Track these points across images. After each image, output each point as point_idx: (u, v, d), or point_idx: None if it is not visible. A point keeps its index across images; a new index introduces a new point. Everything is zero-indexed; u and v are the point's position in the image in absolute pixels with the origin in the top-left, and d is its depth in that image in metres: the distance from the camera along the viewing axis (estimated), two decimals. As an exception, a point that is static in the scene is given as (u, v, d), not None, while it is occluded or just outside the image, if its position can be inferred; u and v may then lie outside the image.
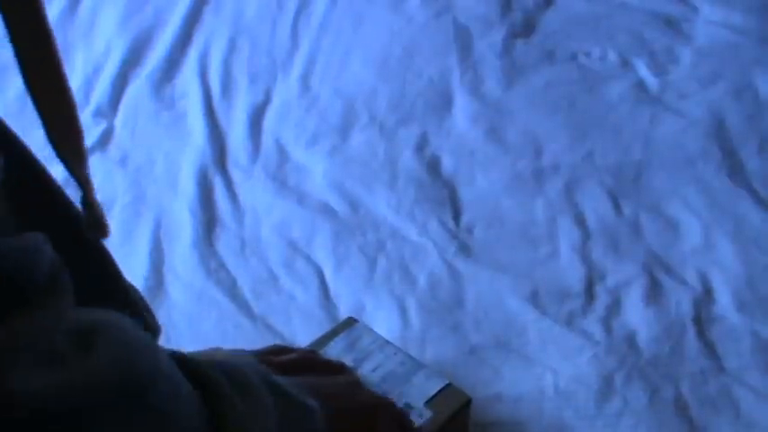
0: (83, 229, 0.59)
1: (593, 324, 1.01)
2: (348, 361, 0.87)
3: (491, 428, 0.90)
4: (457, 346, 0.99)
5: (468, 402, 0.87)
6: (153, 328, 0.73)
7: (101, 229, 0.54)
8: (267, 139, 1.25)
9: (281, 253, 1.09)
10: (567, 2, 1.49)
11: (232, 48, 1.39)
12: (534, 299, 1.03)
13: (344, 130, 1.26)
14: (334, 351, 0.89)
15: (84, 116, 1.28)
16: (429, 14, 1.43)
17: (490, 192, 1.17)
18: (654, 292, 1.04)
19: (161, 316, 1.01)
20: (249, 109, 1.30)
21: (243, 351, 0.79)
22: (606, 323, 1.01)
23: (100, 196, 0.61)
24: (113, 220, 1.10)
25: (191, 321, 1.01)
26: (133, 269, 1.07)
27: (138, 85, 1.33)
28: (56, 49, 0.53)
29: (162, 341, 0.99)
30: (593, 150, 1.23)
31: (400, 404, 0.84)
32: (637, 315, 1.02)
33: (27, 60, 0.52)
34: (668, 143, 1.24)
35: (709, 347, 0.99)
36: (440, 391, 0.86)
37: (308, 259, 1.08)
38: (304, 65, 1.37)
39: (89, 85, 1.34)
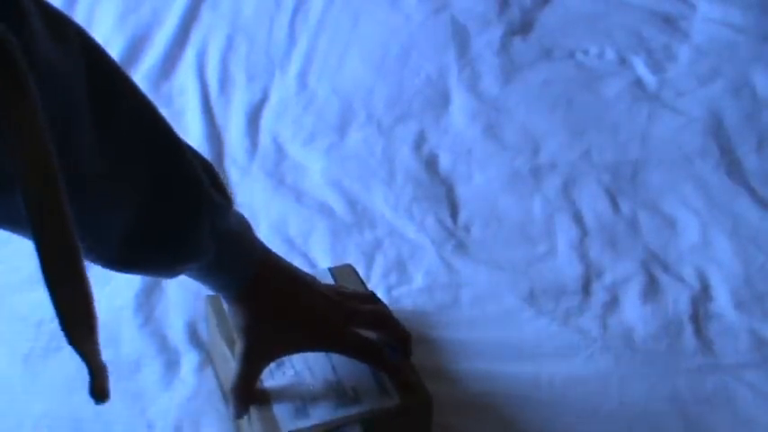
0: None
1: (590, 321, 1.01)
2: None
3: (487, 426, 0.90)
4: (453, 343, 0.99)
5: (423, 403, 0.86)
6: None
7: (102, 396, 0.56)
8: (264, 137, 1.25)
9: (279, 250, 1.08)
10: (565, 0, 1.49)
11: (229, 45, 1.39)
12: (531, 296, 1.03)
13: (342, 128, 1.26)
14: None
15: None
16: (427, 12, 1.43)
17: (488, 189, 1.17)
18: (651, 290, 1.04)
19: (158, 314, 1.01)
20: (247, 107, 1.29)
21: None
22: (603, 321, 1.01)
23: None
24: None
25: (189, 321, 1.01)
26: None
27: (136, 83, 1.33)
28: (77, 244, 0.54)
29: (160, 341, 0.99)
30: (590, 148, 1.23)
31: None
32: (634, 312, 1.02)
33: (47, 258, 0.52)
34: (666, 141, 1.24)
35: (706, 345, 0.99)
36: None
37: (306, 257, 1.08)
38: (301, 63, 1.37)
39: (86, 82, 1.33)
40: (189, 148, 0.76)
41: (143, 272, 0.84)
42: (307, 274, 0.88)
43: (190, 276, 0.82)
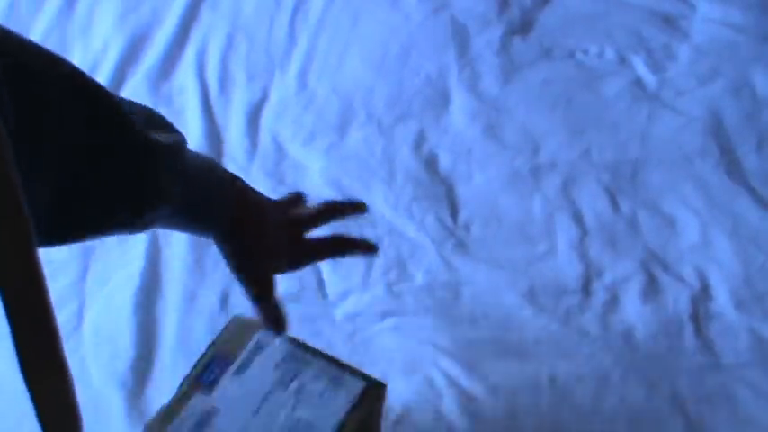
0: None
1: (590, 321, 1.01)
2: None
3: (488, 424, 0.90)
4: (453, 341, 0.99)
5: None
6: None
7: None
8: (264, 137, 1.25)
9: (278, 250, 1.09)
10: (565, -1, 1.49)
11: (229, 45, 1.39)
12: (531, 295, 1.03)
13: (342, 128, 1.26)
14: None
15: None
16: (426, 12, 1.43)
17: (488, 189, 1.17)
18: (651, 289, 1.04)
19: (156, 314, 1.01)
20: (246, 106, 1.29)
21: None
22: (603, 320, 1.01)
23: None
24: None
25: (186, 320, 1.01)
26: (129, 267, 1.07)
27: (136, 82, 1.33)
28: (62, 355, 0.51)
29: (157, 340, 0.99)
30: (590, 147, 1.23)
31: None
32: (634, 312, 1.02)
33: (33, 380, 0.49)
34: (666, 140, 1.24)
35: (706, 344, 0.99)
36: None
37: (305, 256, 1.08)
38: (301, 62, 1.36)
39: (86, 82, 1.33)
40: (121, 101, 0.74)
41: (94, 234, 0.77)
42: (264, 195, 0.88)
43: (169, 227, 0.80)
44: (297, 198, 0.92)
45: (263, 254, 0.84)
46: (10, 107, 0.60)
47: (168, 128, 0.77)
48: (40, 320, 0.49)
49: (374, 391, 0.82)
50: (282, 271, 0.87)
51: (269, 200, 0.87)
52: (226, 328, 0.86)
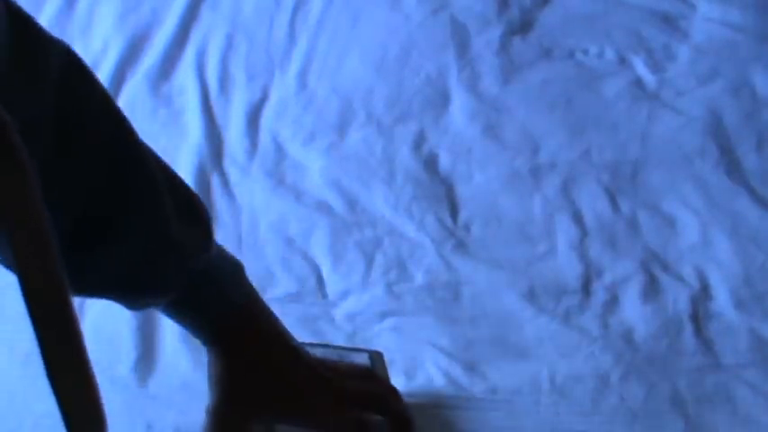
0: None
1: (590, 321, 1.01)
2: None
3: (487, 424, 0.90)
4: (453, 341, 0.99)
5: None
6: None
7: None
8: (264, 137, 1.25)
9: (278, 250, 1.09)
10: (565, -1, 1.49)
11: (229, 45, 1.39)
12: (531, 296, 1.03)
13: (342, 128, 1.26)
14: None
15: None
16: (426, 12, 1.43)
17: (487, 189, 1.17)
18: (651, 290, 1.04)
19: (157, 314, 1.01)
20: (246, 106, 1.29)
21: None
22: (603, 320, 1.01)
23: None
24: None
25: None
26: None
27: (136, 83, 1.33)
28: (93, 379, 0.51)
29: (155, 340, 0.99)
30: (590, 148, 1.23)
31: None
32: (634, 312, 1.02)
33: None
34: (666, 140, 1.24)
35: (706, 344, 0.99)
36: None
37: (306, 256, 1.08)
38: (301, 62, 1.36)
39: (86, 82, 1.33)
40: (165, 181, 0.72)
41: (88, 293, 0.77)
42: (295, 341, 0.82)
43: (162, 312, 0.78)
44: (363, 372, 0.85)
45: (251, 376, 0.78)
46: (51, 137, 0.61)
47: (201, 221, 0.74)
48: (64, 321, 0.50)
49: (377, 356, 0.89)
50: (278, 417, 0.80)
51: (300, 345, 0.82)
52: None
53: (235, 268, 0.80)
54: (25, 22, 0.61)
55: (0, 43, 0.56)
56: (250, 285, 0.81)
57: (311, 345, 0.88)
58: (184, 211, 0.73)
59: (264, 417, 0.81)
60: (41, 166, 0.61)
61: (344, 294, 1.05)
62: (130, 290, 0.74)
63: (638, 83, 1.33)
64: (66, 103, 0.63)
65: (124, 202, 0.69)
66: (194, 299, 0.76)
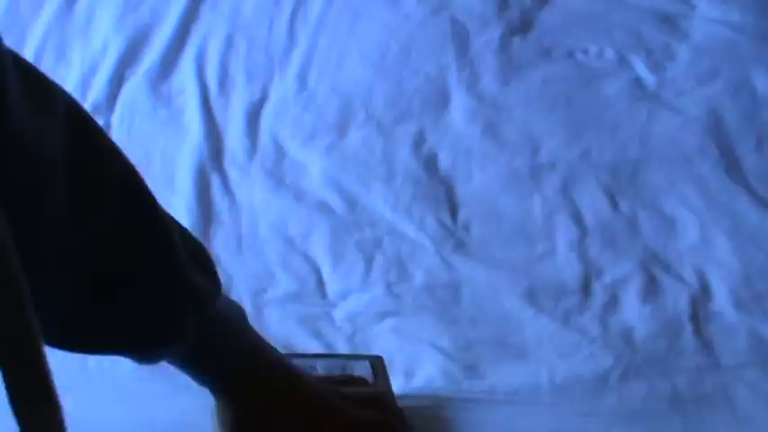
0: None
1: (589, 321, 1.01)
2: None
3: (487, 424, 0.90)
4: (453, 342, 0.99)
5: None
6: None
7: None
8: (264, 137, 1.25)
9: (278, 250, 1.09)
10: (565, -1, 1.49)
11: (229, 45, 1.39)
12: (531, 296, 1.03)
13: (341, 128, 1.26)
14: None
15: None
16: (426, 12, 1.43)
17: (487, 189, 1.17)
18: (651, 290, 1.04)
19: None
20: (246, 106, 1.29)
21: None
22: (603, 320, 1.01)
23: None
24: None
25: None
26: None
27: (135, 83, 1.33)
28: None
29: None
30: (590, 148, 1.23)
31: None
32: (633, 312, 1.02)
33: None
34: (665, 140, 1.24)
35: (705, 344, 0.99)
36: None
37: (305, 256, 1.08)
38: (301, 62, 1.36)
39: (86, 82, 1.33)
40: (177, 232, 0.72)
41: (100, 351, 0.77)
42: (308, 376, 0.83)
43: (173, 365, 0.78)
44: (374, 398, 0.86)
45: (264, 424, 0.79)
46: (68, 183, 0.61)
47: (209, 269, 0.75)
48: (28, 349, 0.48)
49: (378, 363, 0.90)
50: None
51: (312, 379, 0.82)
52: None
53: (239, 313, 0.80)
54: (29, 72, 0.62)
55: (11, 100, 0.57)
56: (254, 330, 0.81)
57: (314, 356, 0.89)
58: (195, 259, 0.73)
59: None
60: (55, 219, 0.62)
61: (344, 294, 1.05)
62: (148, 341, 0.74)
63: (638, 83, 1.33)
64: (77, 149, 0.64)
65: (141, 251, 0.69)
66: (207, 348, 0.76)
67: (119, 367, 0.96)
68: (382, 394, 0.87)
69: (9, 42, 0.60)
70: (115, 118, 1.29)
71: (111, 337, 0.72)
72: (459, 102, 1.30)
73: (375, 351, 0.97)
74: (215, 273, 0.76)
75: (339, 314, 1.03)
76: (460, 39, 1.40)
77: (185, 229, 0.75)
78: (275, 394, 0.80)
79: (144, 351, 0.75)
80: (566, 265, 1.07)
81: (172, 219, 0.73)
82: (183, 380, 0.94)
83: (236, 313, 0.79)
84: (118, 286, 0.69)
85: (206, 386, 0.80)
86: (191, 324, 0.73)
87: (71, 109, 0.65)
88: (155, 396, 0.93)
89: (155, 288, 0.71)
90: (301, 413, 0.80)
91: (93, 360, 0.97)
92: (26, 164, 0.58)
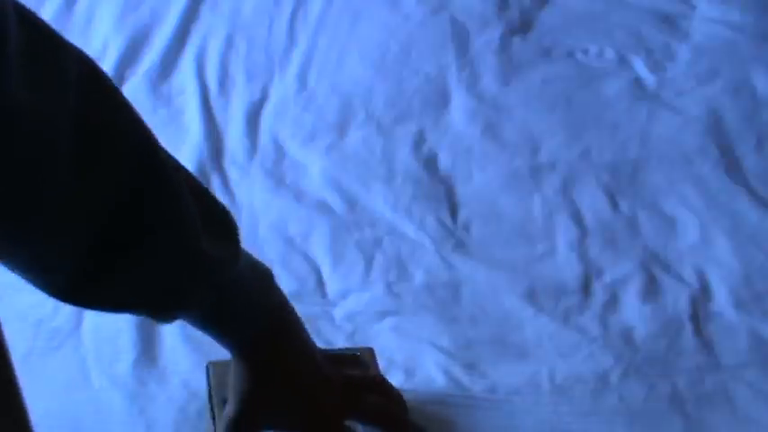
0: None
1: (589, 321, 1.01)
2: None
3: (487, 424, 0.90)
4: (453, 341, 0.99)
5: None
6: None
7: None
8: (264, 137, 1.25)
9: (278, 250, 1.09)
10: (565, -1, 1.49)
11: (229, 45, 1.39)
12: (531, 295, 1.03)
13: (341, 128, 1.26)
14: None
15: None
16: (426, 12, 1.43)
17: (487, 189, 1.17)
18: (651, 289, 1.04)
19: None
20: (246, 106, 1.29)
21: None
22: (603, 320, 1.01)
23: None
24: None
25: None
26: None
27: (135, 83, 1.33)
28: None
29: (155, 339, 0.99)
30: (590, 147, 1.23)
31: None
32: (634, 312, 1.02)
33: None
34: (665, 140, 1.24)
35: (706, 344, 0.99)
36: None
37: (305, 256, 1.08)
38: (301, 62, 1.36)
39: (86, 82, 1.33)
40: (189, 194, 0.71)
41: (113, 308, 0.77)
42: (317, 349, 0.84)
43: (192, 325, 0.79)
44: (353, 359, 0.88)
45: (280, 390, 0.80)
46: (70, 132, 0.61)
47: (227, 231, 0.74)
48: None
49: (368, 353, 0.92)
50: (289, 428, 0.82)
51: (320, 353, 0.84)
52: (213, 375, 0.88)
53: (264, 276, 0.80)
54: (37, 27, 0.61)
55: (10, 50, 0.56)
56: (279, 293, 0.82)
57: None
58: (212, 222, 0.72)
59: (276, 426, 0.83)
60: (62, 176, 0.61)
61: (344, 294, 1.05)
62: (159, 303, 0.73)
63: (638, 83, 1.33)
64: (87, 110, 0.63)
65: (149, 214, 0.69)
66: (225, 312, 0.76)
67: (119, 367, 0.97)
68: (384, 380, 0.89)
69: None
70: (115, 118, 1.29)
71: (123, 296, 0.72)
72: (459, 102, 1.30)
73: (375, 351, 0.98)
74: (236, 236, 0.75)
75: (339, 313, 1.03)
76: (460, 39, 1.40)
77: (204, 189, 0.73)
78: (287, 368, 0.80)
79: (158, 311, 0.75)
80: (566, 265, 1.07)
81: (187, 178, 0.71)
82: (183, 379, 0.94)
83: (260, 276, 0.79)
84: (130, 247, 0.68)
85: (225, 347, 0.80)
86: (202, 289, 0.73)
87: (84, 66, 0.65)
88: (155, 396, 0.93)
89: (163, 255, 0.70)
90: (307, 391, 0.82)
91: (93, 360, 0.97)
92: (25, 135, 0.58)
